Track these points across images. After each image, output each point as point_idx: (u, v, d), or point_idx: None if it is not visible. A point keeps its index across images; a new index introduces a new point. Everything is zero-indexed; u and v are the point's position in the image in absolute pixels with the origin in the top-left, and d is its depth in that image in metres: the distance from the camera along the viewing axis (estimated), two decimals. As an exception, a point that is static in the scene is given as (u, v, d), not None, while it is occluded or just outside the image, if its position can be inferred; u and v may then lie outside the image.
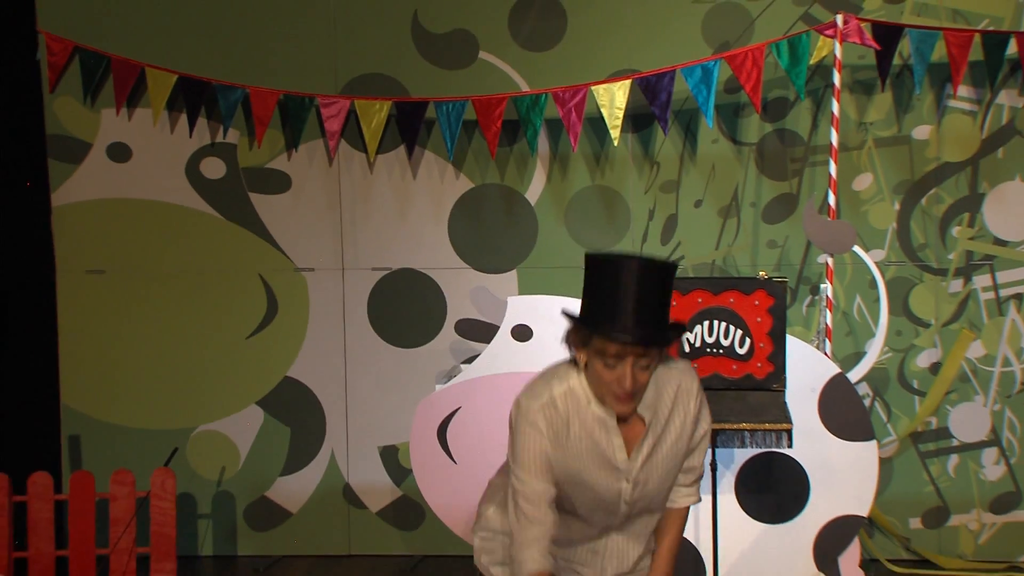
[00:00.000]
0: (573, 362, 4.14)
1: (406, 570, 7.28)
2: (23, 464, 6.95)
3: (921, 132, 7.10)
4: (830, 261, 6.43)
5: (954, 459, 7.21)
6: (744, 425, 5.34)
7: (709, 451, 5.37)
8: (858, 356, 6.84)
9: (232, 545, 7.58)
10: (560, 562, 4.32)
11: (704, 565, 5.98)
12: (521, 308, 6.23)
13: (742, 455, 5.95)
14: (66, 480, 7.22)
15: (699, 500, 4.43)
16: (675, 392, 4.19)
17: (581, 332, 4.05)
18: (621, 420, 4.11)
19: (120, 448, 7.47)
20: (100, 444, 7.52)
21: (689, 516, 5.58)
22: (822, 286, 6.48)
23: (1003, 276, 7.13)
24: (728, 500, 5.96)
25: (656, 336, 3.97)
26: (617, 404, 4.04)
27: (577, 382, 4.12)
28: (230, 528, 7.56)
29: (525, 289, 7.25)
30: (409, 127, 7.14)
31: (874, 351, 6.25)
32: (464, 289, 7.27)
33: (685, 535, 6.00)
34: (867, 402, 7.05)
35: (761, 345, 5.39)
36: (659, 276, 4.01)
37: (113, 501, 6.81)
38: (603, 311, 3.99)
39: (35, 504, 6.81)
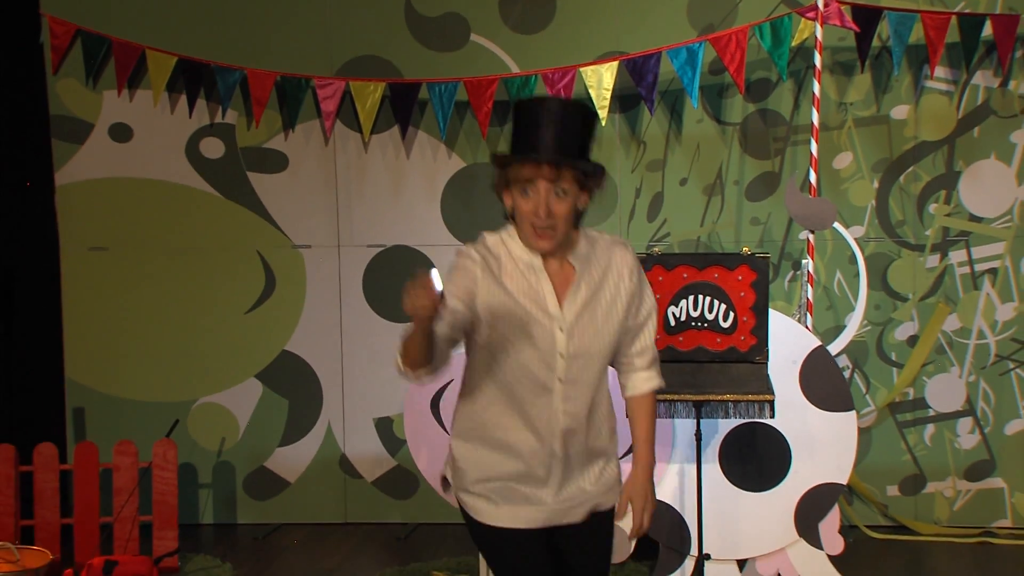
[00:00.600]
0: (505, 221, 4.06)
1: (400, 537, 7.29)
2: (29, 435, 6.96)
3: (899, 112, 7.10)
4: (811, 237, 6.43)
5: (930, 428, 7.23)
6: (728, 396, 5.35)
7: (694, 421, 5.39)
8: (838, 329, 6.85)
9: (232, 513, 7.59)
10: (502, 489, 4.09)
11: (689, 531, 6.00)
12: (512, 283, 6.21)
13: (726, 425, 5.96)
14: (71, 451, 7.23)
15: (662, 384, 4.26)
16: (609, 256, 4.09)
17: (503, 166, 4.00)
18: (549, 261, 3.99)
19: (123, 420, 7.47)
20: (103, 416, 7.52)
21: (672, 485, 5.56)
22: (803, 261, 6.49)
23: (978, 252, 7.15)
24: (712, 468, 5.97)
25: (565, 154, 3.90)
26: (537, 238, 3.94)
27: (507, 233, 4.04)
28: (230, 497, 7.57)
29: (515, 265, 7.24)
30: (402, 108, 7.13)
31: (853, 324, 6.26)
32: (456, 265, 7.26)
33: (669, 502, 6.04)
34: (847, 374, 7.07)
35: (744, 319, 5.40)
36: (578, 114, 3.98)
37: (116, 471, 6.82)
38: (521, 142, 3.96)
39: (41, 474, 6.82)
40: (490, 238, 4.05)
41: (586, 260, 4.05)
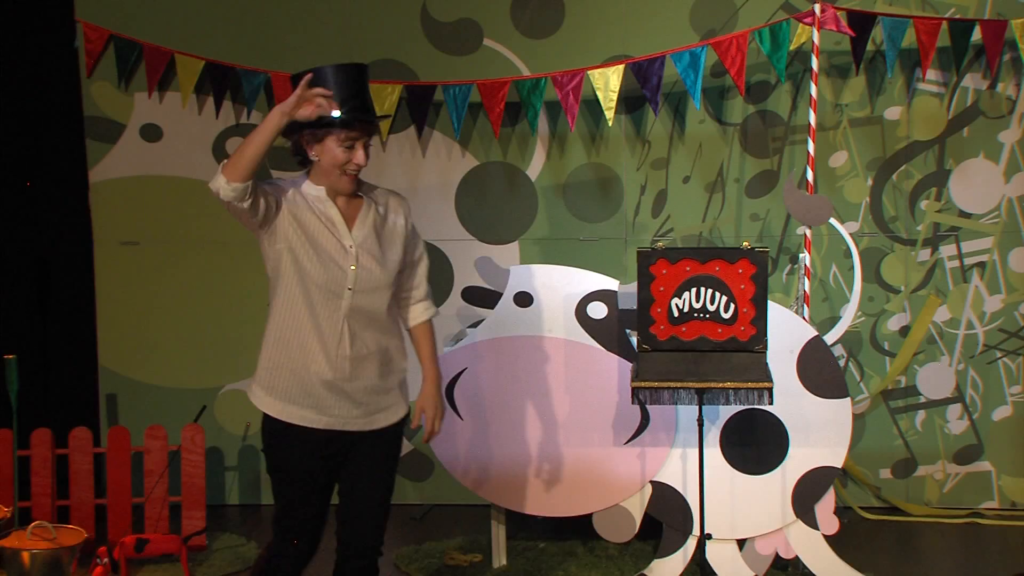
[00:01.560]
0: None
1: (416, 518, 7.29)
2: (65, 420, 6.97)
3: (892, 113, 7.09)
4: (808, 232, 6.42)
5: (921, 415, 7.22)
6: (728, 384, 5.33)
7: (696, 407, 5.38)
8: (833, 320, 6.84)
9: (256, 495, 7.60)
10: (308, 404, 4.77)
11: (692, 512, 5.99)
12: (522, 276, 6.22)
13: (726, 411, 5.95)
14: (104, 435, 7.24)
15: (436, 312, 5.06)
16: (387, 199, 4.88)
17: (325, 126, 4.63)
18: (337, 202, 4.74)
19: (153, 405, 7.48)
20: (135, 402, 7.53)
21: (676, 468, 5.59)
22: (800, 255, 6.48)
23: (967, 246, 7.14)
24: (713, 453, 5.96)
25: (374, 119, 4.71)
26: (349, 183, 4.70)
27: (291, 181, 4.78)
28: (254, 479, 7.58)
29: (526, 259, 7.25)
30: (418, 109, 7.13)
31: (848, 315, 6.24)
32: (469, 259, 7.26)
33: (673, 485, 6.04)
34: (842, 362, 7.06)
35: (744, 310, 5.38)
36: (364, 73, 4.72)
37: (147, 454, 6.83)
38: (344, 103, 4.62)
39: (76, 456, 6.83)
40: (292, 185, 4.76)
41: (371, 198, 4.82)
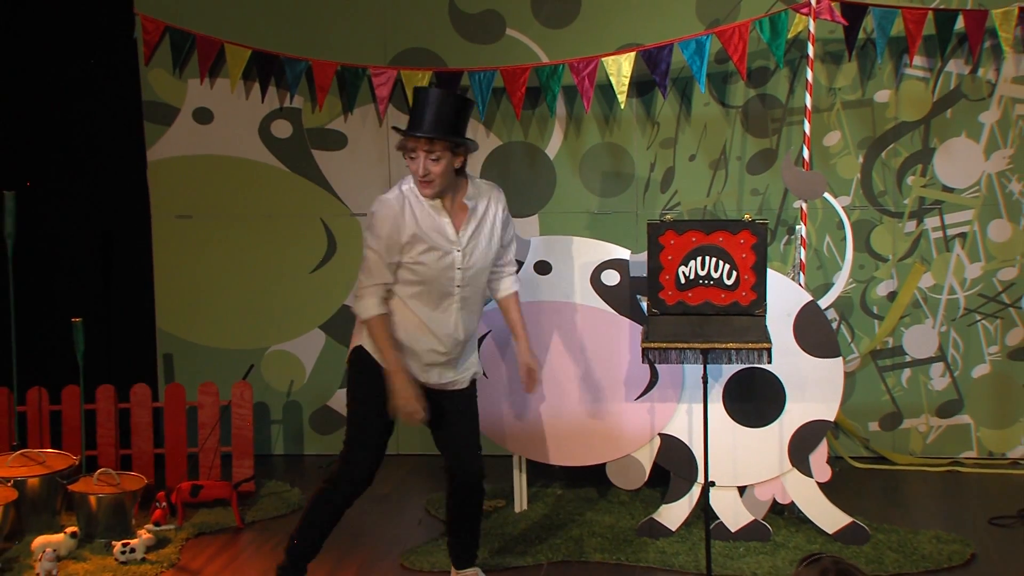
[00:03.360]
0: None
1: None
2: (126, 378, 6.99)
3: (882, 96, 7.04)
4: (804, 206, 6.38)
5: (907, 372, 7.19)
6: (731, 344, 5.30)
7: (700, 365, 5.36)
8: (827, 286, 6.80)
9: (300, 446, 7.61)
10: (413, 366, 5.08)
11: (696, 462, 5.97)
12: (542, 247, 6.20)
13: (729, 370, 5.92)
14: (162, 391, 7.25)
15: (519, 287, 5.35)
16: (490, 195, 5.09)
17: (399, 137, 4.90)
18: (445, 201, 4.95)
19: (206, 364, 7.49)
20: (189, 361, 7.54)
21: (682, 422, 5.55)
22: (797, 227, 6.43)
23: (950, 218, 7.09)
24: (717, 408, 5.94)
25: (437, 133, 4.81)
26: (421, 188, 4.90)
27: (402, 192, 4.96)
28: (298, 431, 7.59)
29: (545, 230, 7.22)
30: (447, 93, 7.09)
31: (841, 282, 6.20)
32: (494, 230, 7.23)
33: (680, 437, 6.02)
34: (834, 325, 7.02)
35: (746, 277, 5.35)
36: (453, 99, 4.91)
37: (200, 408, 6.84)
38: (411, 121, 4.87)
39: (136, 411, 6.85)
40: (405, 187, 4.96)
41: (475, 200, 5.02)
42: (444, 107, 4.85)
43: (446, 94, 4.92)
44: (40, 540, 5.92)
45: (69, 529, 6.02)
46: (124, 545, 5.88)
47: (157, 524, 6.21)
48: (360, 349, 5.10)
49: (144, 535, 6.00)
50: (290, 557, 5.24)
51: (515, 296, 5.32)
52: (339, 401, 7.45)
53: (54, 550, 5.82)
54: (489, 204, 5.08)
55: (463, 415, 5.27)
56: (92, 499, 6.17)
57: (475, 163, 7.27)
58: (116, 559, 5.88)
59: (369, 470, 5.18)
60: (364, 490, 5.20)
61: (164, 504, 6.30)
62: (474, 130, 7.26)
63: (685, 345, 5.32)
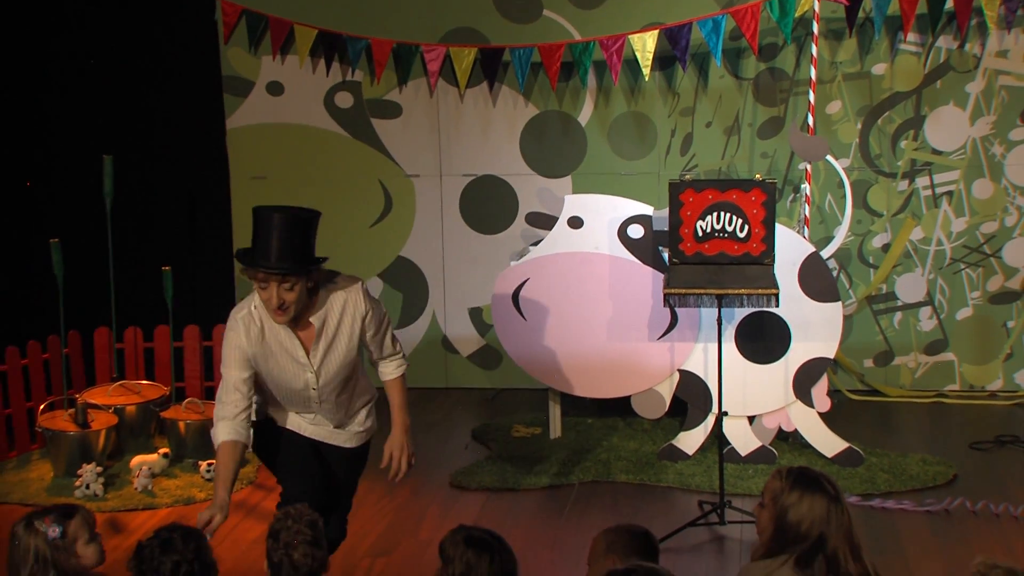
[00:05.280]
0: None
1: (488, 399, 7.32)
2: (209, 318, 7.01)
3: (879, 68, 6.96)
4: (808, 167, 6.33)
5: (898, 315, 7.15)
6: (742, 290, 5.28)
7: (715, 309, 5.33)
8: (828, 239, 6.75)
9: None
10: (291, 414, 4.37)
11: (711, 394, 5.97)
12: (575, 204, 6.18)
13: (740, 313, 5.91)
14: (240, 331, 7.28)
15: (407, 366, 4.45)
16: (343, 304, 4.20)
17: (243, 266, 4.11)
18: (293, 328, 4.14)
19: (279, 307, 7.51)
20: (264, 305, 7.57)
21: (699, 359, 5.56)
22: (802, 186, 6.39)
23: (938, 178, 7.03)
24: (729, 347, 5.93)
25: (289, 266, 4.01)
26: (276, 316, 4.08)
27: (259, 304, 4.15)
28: (360, 366, 7.62)
29: (578, 189, 7.19)
30: (490, 68, 7.06)
31: (840, 235, 6.17)
32: (531, 189, 7.22)
33: (696, 373, 6.01)
34: (835, 273, 6.97)
35: (756, 230, 5.31)
36: (300, 223, 4.08)
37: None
38: (255, 249, 4.06)
39: (218, 348, 6.84)
40: (256, 302, 4.14)
41: (323, 318, 4.16)
42: (292, 233, 4.05)
43: (291, 218, 4.08)
44: (137, 459, 6.00)
45: (162, 450, 6.09)
46: (209, 465, 5.95)
47: (238, 447, 6.26)
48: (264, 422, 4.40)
49: (227, 456, 6.05)
50: None
51: (398, 381, 4.42)
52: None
53: (149, 468, 5.90)
54: (343, 314, 4.20)
55: (342, 477, 4.47)
56: (181, 424, 6.23)
57: (515, 129, 7.25)
58: (202, 476, 5.95)
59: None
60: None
61: (244, 429, 6.35)
62: (514, 100, 7.23)
63: (702, 291, 5.30)
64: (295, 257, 4.04)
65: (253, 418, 4.24)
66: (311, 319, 4.16)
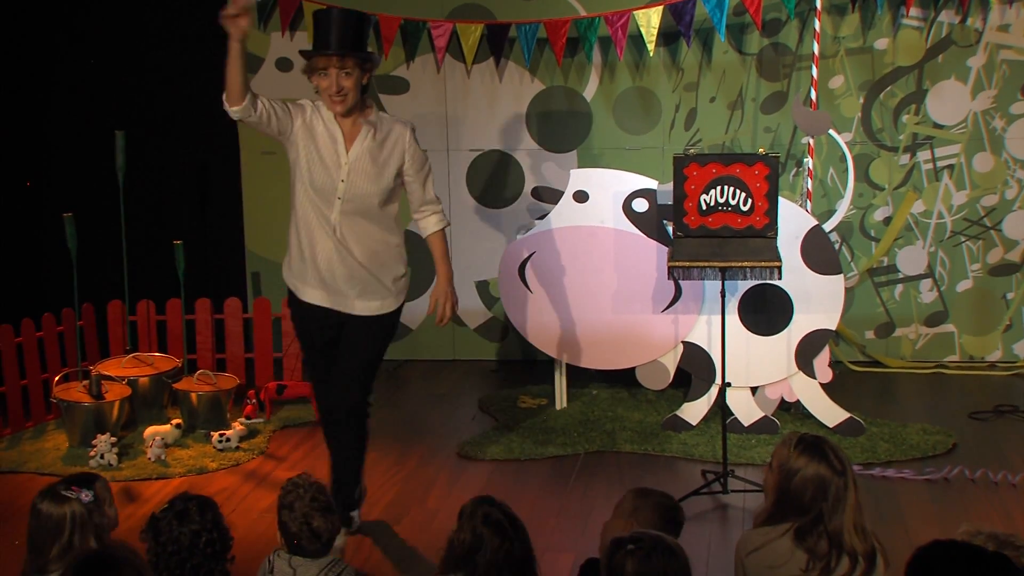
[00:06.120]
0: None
1: (494, 370, 7.32)
2: (220, 292, 7.04)
3: (881, 43, 6.91)
4: (811, 141, 6.31)
5: (899, 287, 7.14)
6: (746, 263, 5.26)
7: (719, 282, 5.31)
8: (830, 212, 6.72)
9: (371, 350, 7.64)
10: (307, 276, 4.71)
11: (715, 365, 5.96)
12: (580, 178, 6.16)
13: (744, 285, 5.89)
14: (251, 304, 7.29)
15: (448, 224, 4.87)
16: (391, 128, 4.66)
17: (307, 59, 4.57)
18: (343, 121, 4.59)
19: (289, 281, 7.51)
20: (274, 278, 7.50)
21: (702, 331, 5.53)
22: (805, 160, 6.37)
23: (940, 152, 7.00)
24: (733, 319, 5.92)
25: (350, 47, 4.47)
26: (332, 104, 4.56)
27: (319, 103, 4.66)
28: (369, 338, 7.62)
29: (583, 164, 7.17)
30: (497, 43, 7.03)
31: (843, 208, 6.15)
32: (537, 164, 7.20)
33: (700, 344, 6.00)
34: (837, 246, 6.96)
35: (760, 204, 5.29)
36: (356, 17, 4.56)
37: (284, 320, 6.82)
38: (317, 44, 4.56)
39: (229, 321, 6.90)
40: (316, 103, 4.66)
41: (374, 126, 4.62)
42: (347, 25, 4.52)
43: (347, 12, 4.58)
44: (150, 430, 6.02)
45: (174, 421, 6.11)
46: (221, 435, 5.97)
47: (248, 418, 6.29)
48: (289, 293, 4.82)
49: (237, 427, 6.08)
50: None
51: (439, 234, 4.85)
52: (404, 313, 7.39)
53: (162, 438, 5.91)
54: (389, 136, 4.65)
55: (351, 344, 4.76)
56: (193, 396, 6.25)
57: (521, 105, 7.22)
58: (214, 447, 5.97)
59: (327, 400, 4.84)
60: (335, 419, 4.82)
61: (254, 401, 6.38)
62: (520, 75, 7.20)
63: (706, 264, 5.28)
64: (351, 44, 4.50)
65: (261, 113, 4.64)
66: (361, 121, 4.61)
